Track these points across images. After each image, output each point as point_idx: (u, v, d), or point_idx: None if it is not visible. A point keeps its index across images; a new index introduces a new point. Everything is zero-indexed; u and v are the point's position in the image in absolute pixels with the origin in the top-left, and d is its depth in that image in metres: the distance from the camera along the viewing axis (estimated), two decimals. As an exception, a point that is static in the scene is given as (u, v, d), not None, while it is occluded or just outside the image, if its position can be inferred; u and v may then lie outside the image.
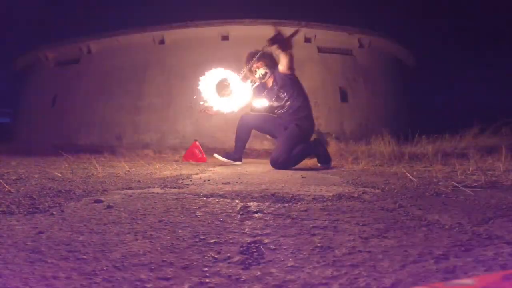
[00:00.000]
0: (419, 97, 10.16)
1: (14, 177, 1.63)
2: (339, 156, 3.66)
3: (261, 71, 3.06)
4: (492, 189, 1.30)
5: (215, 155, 3.23)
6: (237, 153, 3.26)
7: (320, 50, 8.29)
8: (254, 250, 0.60)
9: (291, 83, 3.01)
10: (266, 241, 0.65)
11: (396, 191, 1.28)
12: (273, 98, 3.08)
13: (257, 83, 3.17)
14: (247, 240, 0.66)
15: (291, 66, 2.92)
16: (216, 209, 0.96)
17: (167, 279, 0.48)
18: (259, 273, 0.50)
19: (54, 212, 0.88)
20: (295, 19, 7.59)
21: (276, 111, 3.13)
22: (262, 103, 3.18)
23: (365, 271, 0.50)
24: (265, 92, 3.16)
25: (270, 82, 3.10)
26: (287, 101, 3.02)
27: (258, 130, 3.25)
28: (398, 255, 0.56)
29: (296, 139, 2.88)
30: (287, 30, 2.71)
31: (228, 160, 3.20)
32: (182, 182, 1.63)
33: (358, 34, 8.58)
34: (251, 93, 3.13)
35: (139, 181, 1.64)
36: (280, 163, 2.74)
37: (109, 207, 0.97)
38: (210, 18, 8.12)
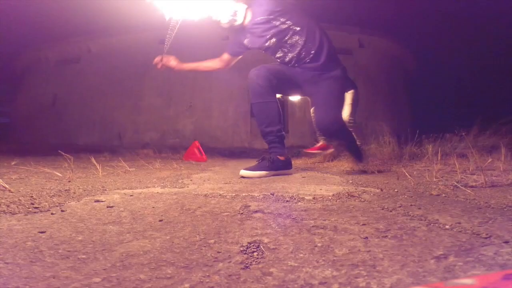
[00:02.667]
0: (419, 96, 10.17)
1: (14, 177, 1.63)
2: (339, 156, 3.65)
3: (226, 13, 1.96)
4: (492, 189, 1.30)
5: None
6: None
7: (320, 50, 8.29)
8: (254, 249, 0.60)
9: (294, 5, 1.99)
10: (266, 240, 0.65)
11: (396, 191, 1.28)
12: (268, 42, 2.02)
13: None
14: (247, 239, 0.66)
15: None
16: (216, 209, 0.96)
17: (167, 278, 0.48)
18: (259, 272, 0.50)
19: (54, 212, 0.88)
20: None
21: (281, 62, 2.09)
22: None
23: (365, 271, 0.50)
24: (247, 40, 2.09)
25: (249, 18, 2.02)
26: (297, 39, 1.97)
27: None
28: (398, 255, 0.56)
29: (340, 98, 2.15)
30: None
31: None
32: (182, 182, 1.63)
33: (358, 34, 8.58)
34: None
35: (139, 181, 1.64)
36: (335, 131, 2.04)
37: (109, 206, 0.97)
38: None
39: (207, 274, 0.49)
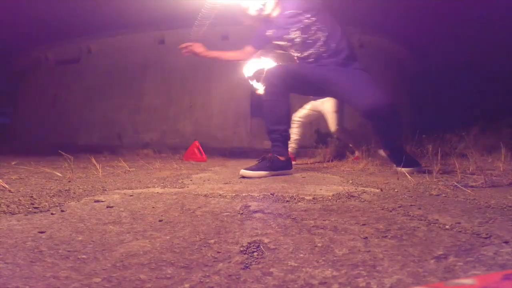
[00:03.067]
0: (419, 96, 10.17)
1: (14, 177, 1.63)
2: (339, 156, 3.66)
3: (255, 3, 2.04)
4: (492, 189, 1.30)
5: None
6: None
7: (320, 50, 8.31)
8: (254, 249, 0.60)
9: (320, 4, 2.06)
10: (266, 240, 0.65)
11: (396, 191, 1.28)
12: (291, 35, 2.09)
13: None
14: (247, 239, 0.66)
15: None
16: (216, 209, 0.96)
17: (167, 278, 0.48)
18: (259, 273, 0.50)
19: (54, 212, 0.88)
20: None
21: (299, 57, 2.15)
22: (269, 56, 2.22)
23: (365, 271, 0.50)
24: (271, 31, 2.15)
25: (277, 11, 2.11)
26: (320, 35, 2.04)
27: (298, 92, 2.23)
28: (398, 255, 0.56)
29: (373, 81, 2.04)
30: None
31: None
32: (182, 182, 1.63)
33: (358, 34, 8.58)
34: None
35: (139, 181, 1.64)
36: (386, 111, 1.92)
37: (109, 206, 0.97)
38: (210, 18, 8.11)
39: (207, 274, 0.49)
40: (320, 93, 2.27)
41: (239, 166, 3.01)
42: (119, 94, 8.52)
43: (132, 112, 8.41)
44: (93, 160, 2.03)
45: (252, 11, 2.08)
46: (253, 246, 0.62)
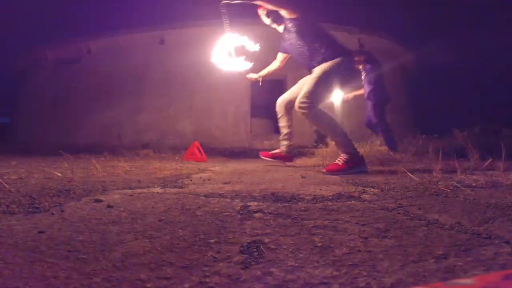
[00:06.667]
0: (419, 97, 10.18)
1: (14, 177, 1.63)
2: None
3: None
4: (492, 189, 1.30)
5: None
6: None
7: (320, 50, 8.30)
8: (254, 249, 0.60)
9: None
10: (266, 240, 0.65)
11: (396, 191, 1.28)
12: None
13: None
14: (247, 239, 0.66)
15: None
16: (216, 209, 0.96)
17: (167, 278, 0.48)
18: (259, 272, 0.50)
19: (54, 212, 0.88)
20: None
21: None
22: None
23: (365, 271, 0.50)
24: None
25: None
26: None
27: None
28: (398, 255, 0.56)
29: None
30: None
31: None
32: (182, 182, 1.63)
33: (358, 34, 8.58)
34: None
35: (139, 181, 1.64)
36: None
37: (109, 206, 0.97)
38: (210, 18, 8.12)
39: (207, 274, 0.49)
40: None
41: (239, 166, 3.01)
42: (119, 94, 8.51)
43: (132, 112, 8.40)
44: (93, 160, 2.03)
45: None
46: (253, 246, 0.62)
